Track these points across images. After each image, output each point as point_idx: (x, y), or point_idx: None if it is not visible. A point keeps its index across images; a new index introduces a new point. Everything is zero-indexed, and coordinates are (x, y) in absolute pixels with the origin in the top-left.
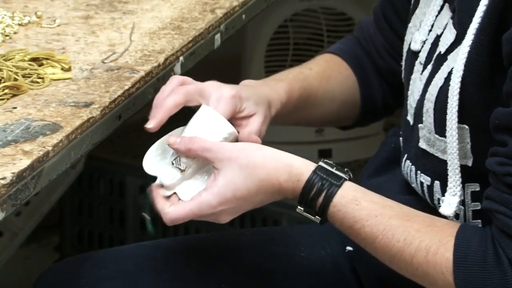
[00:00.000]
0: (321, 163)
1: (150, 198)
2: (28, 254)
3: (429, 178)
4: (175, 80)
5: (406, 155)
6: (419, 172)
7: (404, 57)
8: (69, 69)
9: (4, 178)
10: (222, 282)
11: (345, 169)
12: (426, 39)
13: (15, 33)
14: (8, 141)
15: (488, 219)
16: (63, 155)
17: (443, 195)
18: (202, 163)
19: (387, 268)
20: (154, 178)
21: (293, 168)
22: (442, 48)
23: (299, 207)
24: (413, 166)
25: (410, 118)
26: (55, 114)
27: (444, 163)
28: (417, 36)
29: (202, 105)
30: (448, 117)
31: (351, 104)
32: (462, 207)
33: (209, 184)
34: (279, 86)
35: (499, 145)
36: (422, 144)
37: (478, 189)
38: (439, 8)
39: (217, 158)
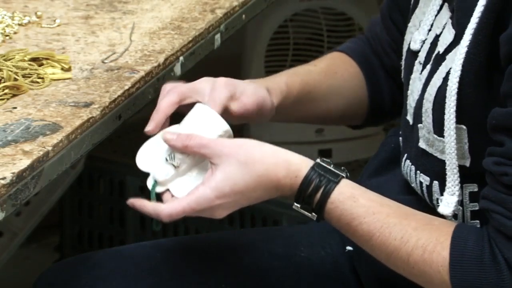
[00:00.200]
0: (318, 161)
1: (138, 209)
2: (28, 254)
3: (428, 178)
4: (168, 86)
5: (406, 155)
6: (418, 172)
7: (404, 57)
8: (69, 69)
9: (4, 178)
10: (222, 282)
11: (342, 168)
12: (426, 39)
13: (15, 33)
14: (8, 141)
15: (486, 219)
16: (63, 155)
17: (442, 195)
18: (197, 160)
19: (387, 268)
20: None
21: (292, 164)
22: (440, 48)
23: (296, 203)
24: (412, 166)
25: (409, 118)
26: (55, 114)
27: (442, 163)
28: (416, 36)
29: (197, 103)
30: (446, 117)
31: (358, 101)
32: (461, 208)
33: (207, 179)
34: (279, 78)
35: (496, 145)
36: (422, 144)
37: (476, 189)
38: (438, 7)
39: (215, 154)
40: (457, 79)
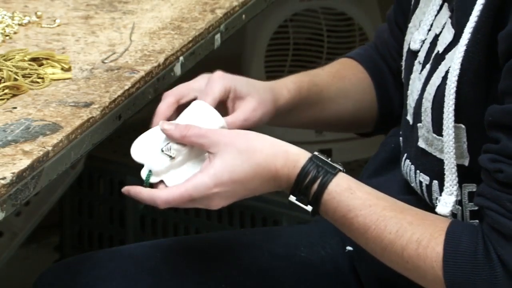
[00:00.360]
0: (316, 153)
1: (133, 196)
2: (28, 254)
3: (428, 178)
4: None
5: (405, 155)
6: (418, 171)
7: (404, 57)
8: (69, 69)
9: (4, 178)
10: (222, 282)
11: (339, 163)
12: (425, 39)
13: (15, 33)
14: (8, 141)
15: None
16: (63, 155)
17: (441, 195)
18: (194, 153)
19: (387, 268)
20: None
21: (290, 154)
22: (440, 47)
23: (291, 196)
24: (412, 166)
25: (409, 117)
26: (55, 114)
27: (442, 162)
28: (416, 36)
29: (194, 100)
30: (444, 116)
31: (368, 106)
32: (460, 207)
33: (205, 167)
34: (286, 79)
35: (492, 142)
36: (421, 144)
37: (475, 189)
38: (438, 7)
39: (213, 143)
40: (456, 78)
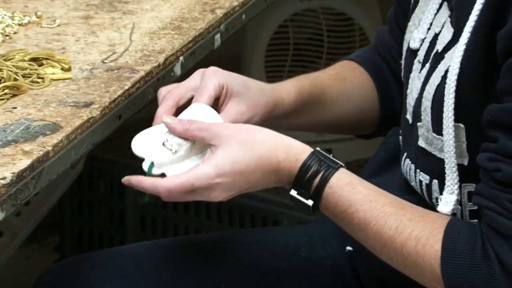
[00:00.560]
0: (318, 148)
1: (134, 186)
2: (28, 254)
3: (428, 177)
4: (163, 94)
5: (405, 154)
6: (418, 170)
7: (403, 56)
8: (69, 69)
9: (4, 178)
10: (222, 282)
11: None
12: (425, 38)
13: (15, 33)
14: (8, 141)
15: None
16: (63, 155)
17: (441, 194)
18: (195, 148)
19: (387, 268)
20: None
21: (293, 147)
22: (439, 46)
23: (292, 190)
24: (412, 165)
25: (409, 116)
26: (55, 114)
27: (441, 161)
28: (416, 35)
29: (193, 102)
30: (444, 115)
31: (370, 107)
32: (459, 207)
33: (207, 157)
34: (286, 82)
35: (491, 141)
36: (421, 143)
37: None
38: (438, 6)
39: (215, 136)
40: (455, 77)
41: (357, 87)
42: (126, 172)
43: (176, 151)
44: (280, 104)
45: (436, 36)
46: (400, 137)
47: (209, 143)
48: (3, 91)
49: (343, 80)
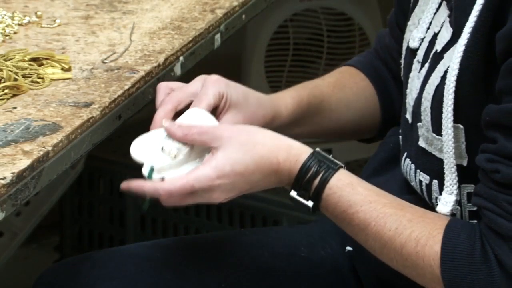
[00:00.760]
0: (318, 149)
1: (134, 191)
2: (28, 254)
3: (428, 177)
4: (162, 90)
5: (405, 153)
6: (418, 170)
7: (403, 55)
8: (69, 69)
9: (4, 178)
10: (222, 282)
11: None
12: (424, 37)
13: (15, 33)
14: (8, 141)
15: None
16: (63, 155)
17: (441, 194)
18: (194, 152)
19: (387, 268)
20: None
21: (293, 148)
22: (438, 46)
23: (292, 191)
24: (412, 165)
25: (408, 116)
26: (55, 114)
27: (441, 162)
28: (415, 34)
29: (190, 107)
30: (443, 116)
31: (371, 113)
32: (459, 207)
33: (207, 159)
34: (285, 94)
35: (490, 142)
36: (421, 143)
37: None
38: (437, 6)
39: (215, 138)
40: (455, 78)
41: (357, 94)
42: (126, 172)
43: (175, 156)
44: (278, 116)
45: (435, 36)
46: (400, 136)
47: (210, 145)
48: (3, 91)
49: (343, 88)
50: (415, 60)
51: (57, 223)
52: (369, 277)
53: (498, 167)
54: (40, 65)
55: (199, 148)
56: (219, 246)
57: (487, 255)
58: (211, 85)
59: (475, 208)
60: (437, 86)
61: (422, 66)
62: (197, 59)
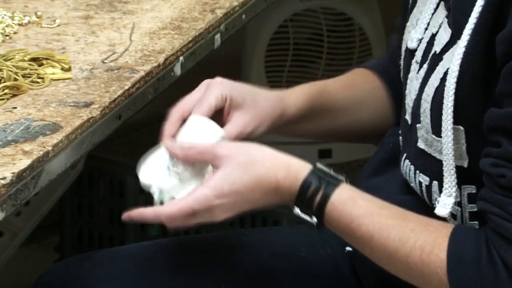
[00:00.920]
0: (318, 164)
1: (136, 219)
2: (28, 254)
3: (427, 178)
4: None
5: (405, 155)
6: (418, 171)
7: (402, 56)
8: (69, 69)
9: (4, 178)
10: (222, 282)
11: (341, 173)
12: (422, 38)
13: (15, 33)
14: (8, 141)
15: (485, 220)
16: (63, 155)
17: (440, 196)
18: (199, 169)
19: None
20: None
21: (292, 166)
22: (437, 47)
23: (296, 208)
24: (412, 166)
25: (408, 117)
26: (55, 114)
27: (441, 163)
28: (413, 34)
29: (191, 115)
30: (443, 117)
31: (383, 114)
32: (459, 208)
33: (206, 180)
34: (294, 88)
35: (493, 146)
36: (421, 144)
37: (474, 191)
38: (435, 6)
39: (216, 157)
40: (455, 80)
41: (369, 93)
42: (126, 172)
43: (181, 175)
44: (286, 111)
45: (433, 37)
46: (400, 137)
47: (211, 164)
48: (3, 91)
49: (354, 87)
50: (413, 61)
51: (57, 223)
52: (369, 277)
53: (503, 172)
54: (40, 65)
55: (204, 164)
56: (219, 246)
57: (493, 259)
58: (213, 88)
59: (475, 209)
60: (437, 88)
61: (421, 67)
62: (197, 59)
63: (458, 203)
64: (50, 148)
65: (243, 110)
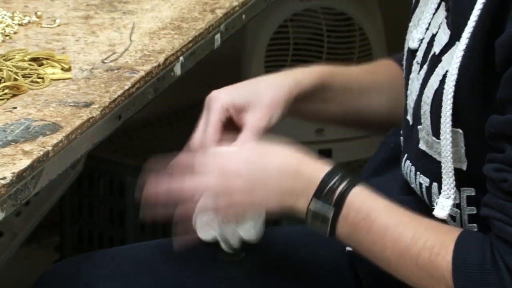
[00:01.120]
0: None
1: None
2: (28, 254)
3: (428, 179)
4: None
5: (406, 155)
6: (418, 173)
7: (404, 56)
8: (69, 69)
9: (4, 178)
10: (222, 282)
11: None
12: (423, 38)
13: (15, 33)
14: (8, 141)
15: (484, 223)
16: (63, 155)
17: (439, 198)
18: None
19: None
20: None
21: (317, 160)
22: (436, 48)
23: (314, 199)
24: (413, 167)
25: (409, 117)
26: (55, 114)
27: (441, 165)
28: (414, 35)
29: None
30: (442, 120)
31: (402, 105)
32: (458, 210)
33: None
34: (303, 67)
35: (496, 151)
36: (422, 146)
37: (473, 194)
38: (436, 6)
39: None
40: (454, 83)
41: (389, 81)
42: (126, 172)
43: (236, 220)
44: (297, 86)
45: (433, 37)
46: (401, 137)
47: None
48: (3, 91)
49: (375, 73)
50: (414, 61)
51: (57, 223)
52: (369, 277)
53: (506, 176)
54: (40, 65)
55: None
56: (219, 246)
57: (497, 265)
58: (212, 105)
59: (474, 212)
60: (436, 90)
61: (421, 67)
62: (197, 59)
63: (457, 205)
64: (50, 148)
65: (251, 109)
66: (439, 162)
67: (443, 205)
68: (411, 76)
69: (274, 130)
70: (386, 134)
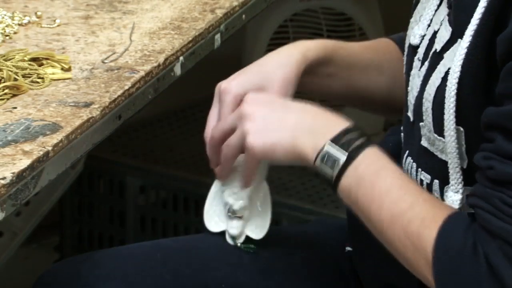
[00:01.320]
0: None
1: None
2: (28, 254)
3: (429, 176)
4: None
5: (407, 152)
6: (419, 169)
7: (405, 52)
8: (69, 69)
9: (4, 178)
10: (222, 282)
11: None
12: (425, 34)
13: (15, 33)
14: (8, 141)
15: None
16: (63, 155)
17: (442, 194)
18: (253, 199)
19: (387, 268)
20: None
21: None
22: (438, 45)
23: (330, 142)
24: (414, 164)
25: (410, 114)
26: (55, 114)
27: (442, 162)
28: (416, 31)
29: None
30: (445, 117)
31: (402, 87)
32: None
33: None
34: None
35: (488, 141)
36: (424, 142)
37: None
38: (438, 2)
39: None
40: (456, 80)
41: (389, 60)
42: (126, 172)
43: (242, 216)
44: (304, 60)
45: (435, 34)
46: (402, 134)
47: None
48: (3, 91)
49: (375, 51)
50: (415, 58)
51: (57, 223)
52: (369, 277)
53: (492, 164)
54: (40, 65)
55: (255, 189)
56: (219, 246)
57: (477, 252)
58: (225, 98)
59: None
60: (438, 88)
61: (422, 64)
62: (197, 59)
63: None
64: (50, 148)
65: (264, 92)
66: (441, 160)
67: (452, 200)
68: (412, 72)
69: None
70: (386, 133)
